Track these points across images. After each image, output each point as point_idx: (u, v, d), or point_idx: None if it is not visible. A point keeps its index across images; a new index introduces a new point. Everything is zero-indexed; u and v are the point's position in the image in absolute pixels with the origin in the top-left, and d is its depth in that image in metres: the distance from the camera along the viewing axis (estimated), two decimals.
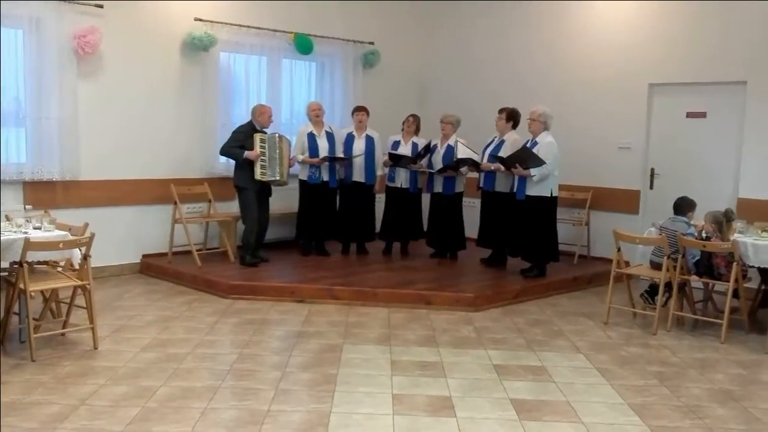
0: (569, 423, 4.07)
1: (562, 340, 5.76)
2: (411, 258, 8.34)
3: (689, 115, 7.83)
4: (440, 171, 7.95)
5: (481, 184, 7.83)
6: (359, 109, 8.29)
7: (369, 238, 8.49)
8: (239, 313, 6.28)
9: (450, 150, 7.94)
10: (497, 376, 4.83)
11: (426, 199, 8.43)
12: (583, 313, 6.61)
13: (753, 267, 5.93)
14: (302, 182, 8.11)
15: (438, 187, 8.10)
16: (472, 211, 8.37)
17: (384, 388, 4.53)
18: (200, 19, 7.94)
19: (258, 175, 7.45)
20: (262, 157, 7.45)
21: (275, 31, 8.55)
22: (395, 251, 8.55)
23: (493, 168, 7.53)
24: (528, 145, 7.20)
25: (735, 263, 5.69)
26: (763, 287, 6.22)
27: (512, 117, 7.67)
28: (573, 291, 7.49)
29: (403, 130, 8.31)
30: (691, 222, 6.26)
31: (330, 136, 8.10)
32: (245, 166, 7.48)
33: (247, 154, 7.40)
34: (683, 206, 6.35)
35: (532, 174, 7.06)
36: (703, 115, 7.74)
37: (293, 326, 5.94)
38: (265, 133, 7.62)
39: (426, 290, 6.79)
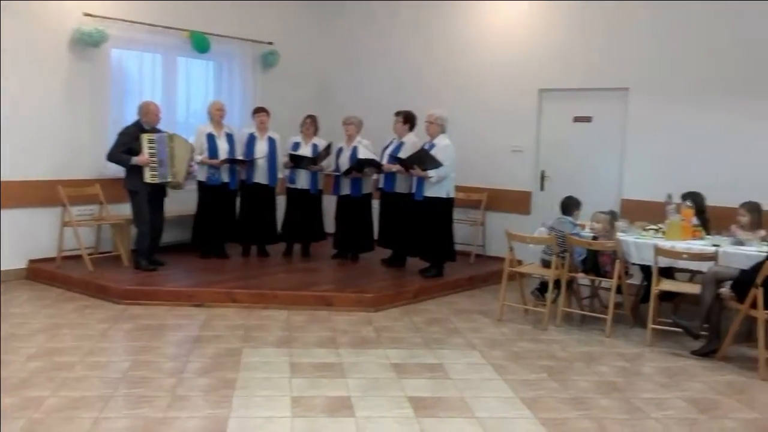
0: (464, 418, 4.20)
1: (459, 337, 5.92)
2: (312, 260, 8.35)
3: (576, 119, 8.22)
4: (345, 173, 8.00)
5: (382, 185, 7.93)
6: (260, 110, 8.22)
7: (270, 240, 8.43)
8: (133, 319, 6.11)
9: (355, 151, 8.01)
10: (395, 374, 4.92)
11: (327, 201, 8.47)
12: (479, 311, 6.81)
13: (635, 264, 6.30)
14: (200, 183, 7.96)
15: (346, 190, 8.14)
16: (372, 213, 8.44)
17: (283, 391, 4.52)
18: (90, 15, 7.65)
19: (148, 178, 7.23)
20: (152, 159, 7.24)
21: (170, 28, 8.35)
22: (296, 253, 8.53)
23: (394, 169, 7.65)
24: (426, 147, 7.36)
25: (618, 261, 6.02)
26: (644, 283, 6.59)
27: (409, 119, 7.81)
28: (470, 289, 7.69)
29: (301, 131, 8.30)
30: (577, 222, 6.57)
31: (230, 138, 7.99)
32: (135, 169, 7.23)
33: (135, 160, 7.15)
34: (569, 206, 6.65)
35: (429, 175, 7.21)
36: (588, 119, 8.14)
37: (190, 331, 5.83)
38: (154, 132, 7.40)
39: (327, 292, 6.82)
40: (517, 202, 8.56)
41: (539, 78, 8.37)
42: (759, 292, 5.08)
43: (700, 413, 4.41)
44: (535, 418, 4.25)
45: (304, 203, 8.31)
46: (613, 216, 6.43)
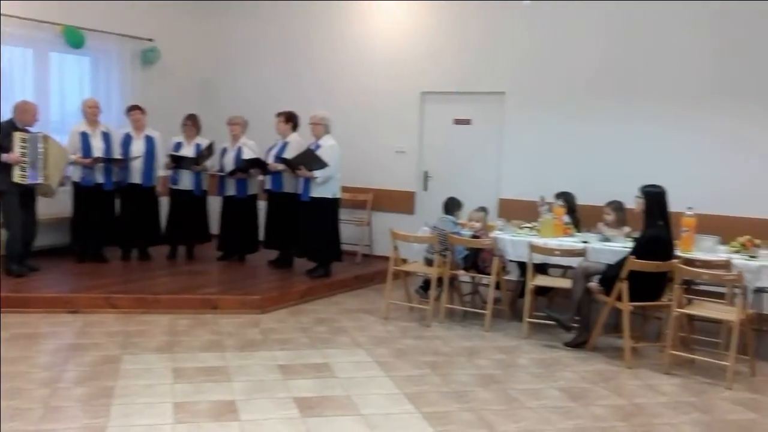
0: (349, 416, 4.27)
1: (345, 336, 5.99)
2: (197, 262, 8.19)
3: (456, 122, 8.49)
4: (230, 174, 7.89)
5: (269, 186, 7.89)
6: (134, 108, 7.98)
7: (151, 242, 8.20)
8: (4, 328, 5.78)
9: (239, 152, 7.92)
10: (282, 376, 4.92)
11: (213, 202, 8.33)
12: (365, 310, 6.91)
13: (513, 261, 6.59)
14: (75, 184, 7.64)
15: (231, 190, 8.04)
16: (258, 214, 8.37)
17: (165, 397, 4.43)
18: None
19: (16, 177, 6.86)
20: (23, 158, 6.88)
21: (42, 22, 7.96)
22: (180, 255, 8.35)
23: (279, 169, 7.62)
24: (311, 147, 7.38)
25: (496, 258, 6.28)
26: (521, 279, 6.89)
27: (291, 119, 7.81)
28: (356, 289, 7.79)
29: (183, 131, 8.13)
30: (459, 221, 6.80)
31: (106, 136, 7.70)
32: (4, 167, 6.86)
33: (5, 157, 6.79)
34: (451, 206, 6.88)
35: (315, 176, 7.24)
36: (468, 122, 8.43)
37: (66, 339, 5.60)
38: (28, 132, 7.04)
39: (212, 294, 6.72)
40: (402, 202, 8.74)
41: (421, 81, 8.58)
42: (624, 286, 5.43)
43: (572, 401, 4.67)
44: (418, 412, 4.38)
45: (188, 204, 8.14)
46: (484, 212, 6.71)
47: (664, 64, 7.23)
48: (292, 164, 7.37)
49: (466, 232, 6.64)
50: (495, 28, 8.12)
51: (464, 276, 6.77)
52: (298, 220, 7.59)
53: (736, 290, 5.26)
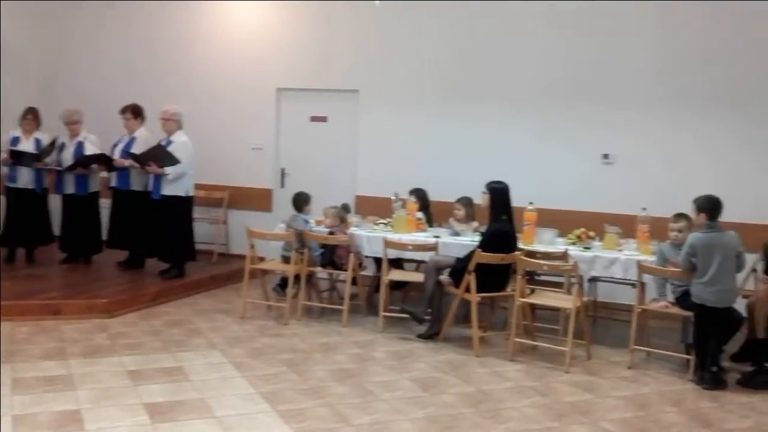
0: (203, 419, 4.19)
1: (200, 338, 5.86)
2: (38, 265, 7.71)
3: (313, 119, 8.52)
4: (70, 168, 7.48)
5: (114, 183, 7.56)
6: None
7: None
8: None
9: (80, 147, 7.53)
10: (131, 382, 4.75)
11: (55, 200, 7.87)
12: (221, 310, 6.80)
13: (369, 257, 6.71)
14: None
15: (70, 188, 7.62)
16: (103, 213, 7.97)
17: (3, 410, 4.15)
18: None
19: None
20: None
21: None
22: (20, 258, 7.82)
23: (126, 165, 7.32)
24: (162, 143, 7.16)
25: (352, 254, 6.38)
26: (377, 274, 7.03)
27: (138, 113, 7.53)
28: (212, 289, 7.64)
29: (21, 125, 7.62)
30: (310, 217, 6.81)
31: None
32: None
33: None
34: (299, 202, 6.87)
35: (167, 173, 7.03)
36: (324, 119, 8.49)
37: None
38: None
39: (54, 299, 6.35)
40: (258, 200, 8.65)
41: (277, 77, 8.54)
42: (471, 278, 5.68)
43: (423, 391, 4.84)
44: (274, 411, 4.37)
45: (28, 203, 7.65)
46: (344, 209, 6.79)
47: (505, 66, 7.64)
48: (142, 160, 7.10)
49: (320, 229, 6.68)
50: (347, 27, 8.23)
51: (321, 273, 6.81)
52: (146, 219, 7.32)
53: (573, 280, 5.64)
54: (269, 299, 6.84)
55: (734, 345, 5.61)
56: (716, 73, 6.93)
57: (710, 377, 5.08)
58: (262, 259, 6.92)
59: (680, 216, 5.54)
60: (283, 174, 8.69)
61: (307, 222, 6.71)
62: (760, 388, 5.07)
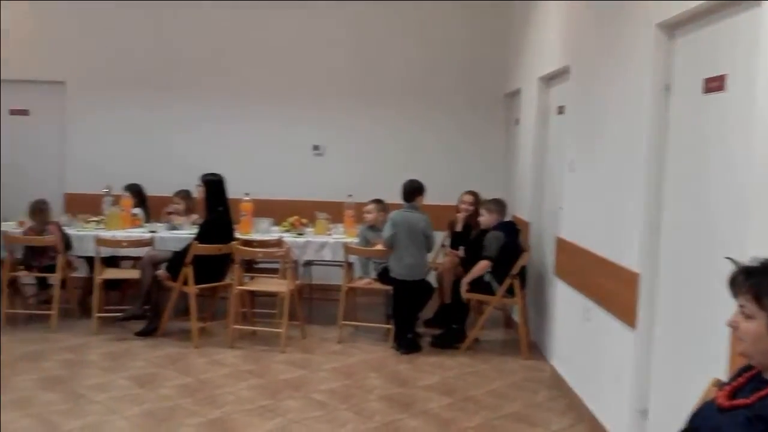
0: None
1: None
2: None
3: (12, 112, 7.91)
4: None
5: None
6: None
7: None
8: None
9: None
10: None
11: None
12: None
13: (81, 257, 6.42)
14: None
15: None
16: None
17: None
18: None
19: None
20: None
21: None
22: None
23: None
24: None
25: (60, 255, 6.06)
26: (91, 275, 6.74)
27: None
28: None
29: None
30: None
31: None
32: None
33: None
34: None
35: None
36: (26, 112, 7.91)
37: None
38: None
39: None
40: None
41: None
42: (189, 270, 5.71)
43: (140, 388, 4.80)
44: None
45: None
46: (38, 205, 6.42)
47: (217, 61, 7.77)
48: None
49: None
50: (51, 12, 7.74)
51: (27, 278, 6.38)
52: None
53: (287, 265, 5.94)
54: None
55: (429, 312, 6.33)
56: (399, 74, 7.70)
57: (407, 342, 5.70)
58: None
59: (375, 201, 6.24)
60: None
61: None
62: (447, 347, 5.80)
